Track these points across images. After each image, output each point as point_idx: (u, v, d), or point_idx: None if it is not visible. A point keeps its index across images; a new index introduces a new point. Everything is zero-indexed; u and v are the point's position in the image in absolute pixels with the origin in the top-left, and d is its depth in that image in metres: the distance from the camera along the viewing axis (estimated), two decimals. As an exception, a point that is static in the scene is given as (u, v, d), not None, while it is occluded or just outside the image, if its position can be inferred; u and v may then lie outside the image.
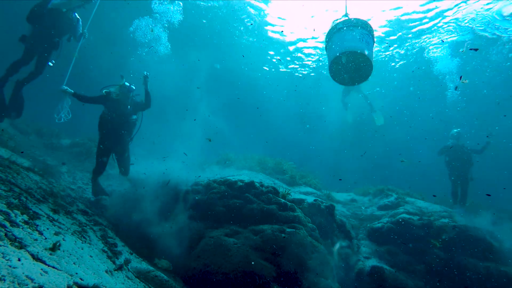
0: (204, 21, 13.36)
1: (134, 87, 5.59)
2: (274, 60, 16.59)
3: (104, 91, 5.47)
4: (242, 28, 13.37)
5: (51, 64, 5.59)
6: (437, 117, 19.69)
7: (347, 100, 11.01)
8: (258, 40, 14.30)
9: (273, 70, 17.52)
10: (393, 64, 15.27)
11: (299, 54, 14.99)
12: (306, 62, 16.07)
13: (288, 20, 12.47)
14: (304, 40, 13.82)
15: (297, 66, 16.68)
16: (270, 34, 13.68)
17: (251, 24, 12.62)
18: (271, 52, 15.15)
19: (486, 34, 11.63)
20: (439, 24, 11.55)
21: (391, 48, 13.97)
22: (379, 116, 10.61)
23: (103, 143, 5.35)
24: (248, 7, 11.88)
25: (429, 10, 10.87)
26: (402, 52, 14.06)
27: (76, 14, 5.79)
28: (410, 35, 12.68)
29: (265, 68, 17.41)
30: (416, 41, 12.98)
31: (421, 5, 10.62)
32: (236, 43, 14.93)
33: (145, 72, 5.50)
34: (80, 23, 5.84)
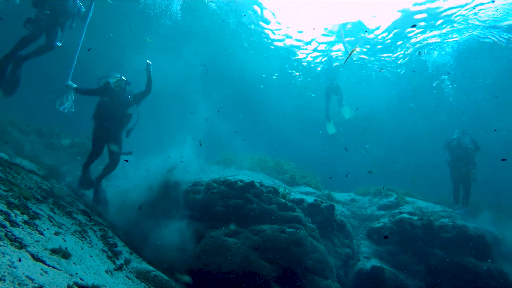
0: (206, 22, 13.37)
1: (130, 82, 5.67)
2: (272, 73, 16.84)
3: (100, 82, 5.53)
4: (244, 28, 13.37)
5: (60, 44, 5.62)
6: (437, 116, 19.62)
7: (329, 108, 11.21)
8: (258, 41, 14.32)
9: (272, 72, 17.61)
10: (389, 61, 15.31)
11: (300, 51, 15.02)
12: (304, 64, 16.14)
13: (287, 23, 12.50)
14: (298, 41, 13.94)
15: (295, 71, 16.80)
16: (271, 36, 13.72)
17: (251, 19, 12.63)
18: (272, 47, 15.16)
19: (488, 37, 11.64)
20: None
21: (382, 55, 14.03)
22: (346, 110, 11.11)
23: (98, 131, 5.43)
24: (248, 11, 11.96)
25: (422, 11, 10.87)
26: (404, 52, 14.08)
27: (78, 1, 5.82)
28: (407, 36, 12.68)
29: (264, 75, 17.60)
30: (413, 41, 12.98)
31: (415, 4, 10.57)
32: (237, 45, 14.94)
33: (147, 61, 5.66)
34: (82, 9, 5.89)
